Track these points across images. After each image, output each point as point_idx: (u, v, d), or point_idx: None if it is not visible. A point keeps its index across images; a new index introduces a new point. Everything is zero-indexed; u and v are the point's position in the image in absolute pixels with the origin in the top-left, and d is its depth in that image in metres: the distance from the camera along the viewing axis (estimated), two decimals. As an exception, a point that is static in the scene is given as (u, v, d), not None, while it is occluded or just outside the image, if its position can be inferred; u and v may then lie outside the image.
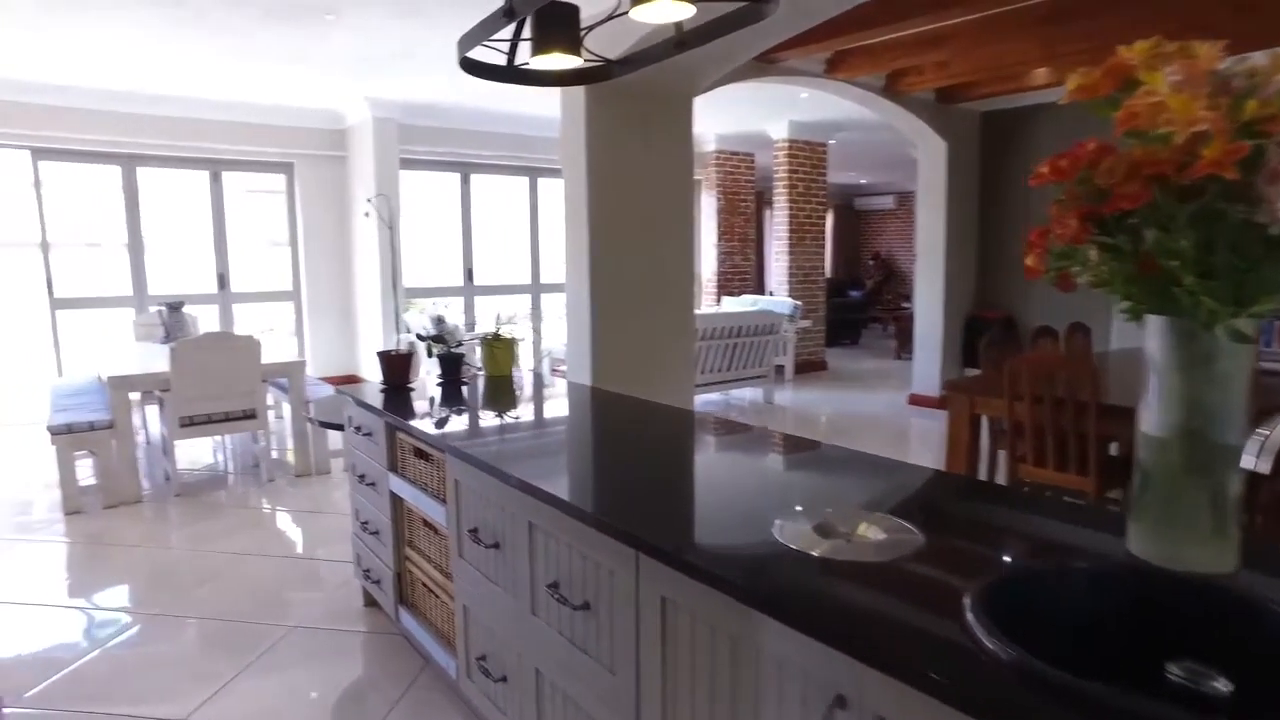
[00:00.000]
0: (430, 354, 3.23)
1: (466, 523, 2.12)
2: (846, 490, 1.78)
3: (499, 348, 3.22)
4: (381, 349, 3.23)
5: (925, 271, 7.54)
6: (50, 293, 7.16)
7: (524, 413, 2.74)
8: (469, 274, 8.69)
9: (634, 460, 2.07)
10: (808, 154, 9.11)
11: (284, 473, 5.18)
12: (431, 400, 2.92)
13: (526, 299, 9.47)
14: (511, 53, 2.11)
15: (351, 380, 8.42)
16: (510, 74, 2.15)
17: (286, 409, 5.84)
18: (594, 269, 4.10)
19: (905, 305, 13.58)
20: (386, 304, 7.70)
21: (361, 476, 2.94)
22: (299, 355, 8.34)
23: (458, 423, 2.59)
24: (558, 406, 2.90)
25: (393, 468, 2.67)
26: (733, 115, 8.36)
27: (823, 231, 9.46)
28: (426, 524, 2.49)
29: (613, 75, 2.27)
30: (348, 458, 3.16)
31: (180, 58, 5.75)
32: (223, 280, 7.87)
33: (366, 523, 2.97)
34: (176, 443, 4.92)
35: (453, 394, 3.01)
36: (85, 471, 4.81)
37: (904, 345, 10.26)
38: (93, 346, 6.27)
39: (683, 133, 4.48)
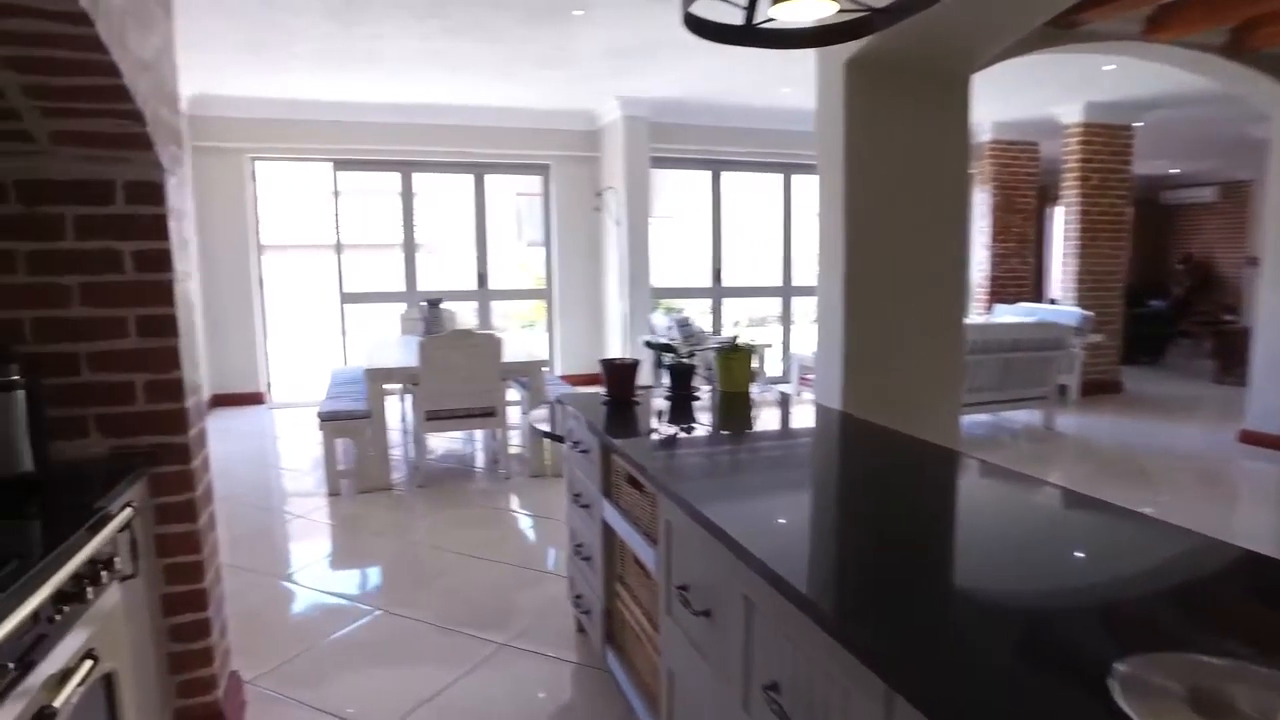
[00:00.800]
0: (659, 364, 2.94)
1: (677, 575, 1.77)
2: (1222, 614, 1.19)
3: (735, 360, 2.85)
4: (605, 356, 2.98)
5: (1276, 277, 6.03)
6: (340, 288, 7.89)
7: (755, 445, 2.34)
8: (717, 275, 8.44)
9: (891, 527, 1.60)
10: (1107, 139, 7.81)
11: (522, 470, 5.20)
12: (654, 418, 2.62)
13: (776, 303, 9.05)
14: (751, 7, 1.72)
15: (596, 381, 8.50)
16: (745, 34, 1.77)
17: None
18: (849, 272, 3.60)
19: (1229, 318, 11.39)
20: (627, 303, 7.65)
21: (577, 496, 2.71)
22: (549, 352, 8.59)
23: (675, 451, 2.25)
24: (798, 438, 2.47)
25: (606, 493, 2.39)
26: (1014, 98, 7.35)
27: (1122, 230, 8.09)
28: (638, 563, 2.18)
29: (874, 29, 1.80)
30: (567, 473, 2.95)
31: (453, 68, 6.01)
32: (482, 278, 8.25)
33: (580, 545, 2.73)
34: (427, 435, 5.11)
35: (679, 412, 2.69)
36: (347, 455, 5.13)
37: (1228, 367, 8.52)
38: (370, 337, 6.78)
39: (958, 117, 3.81)
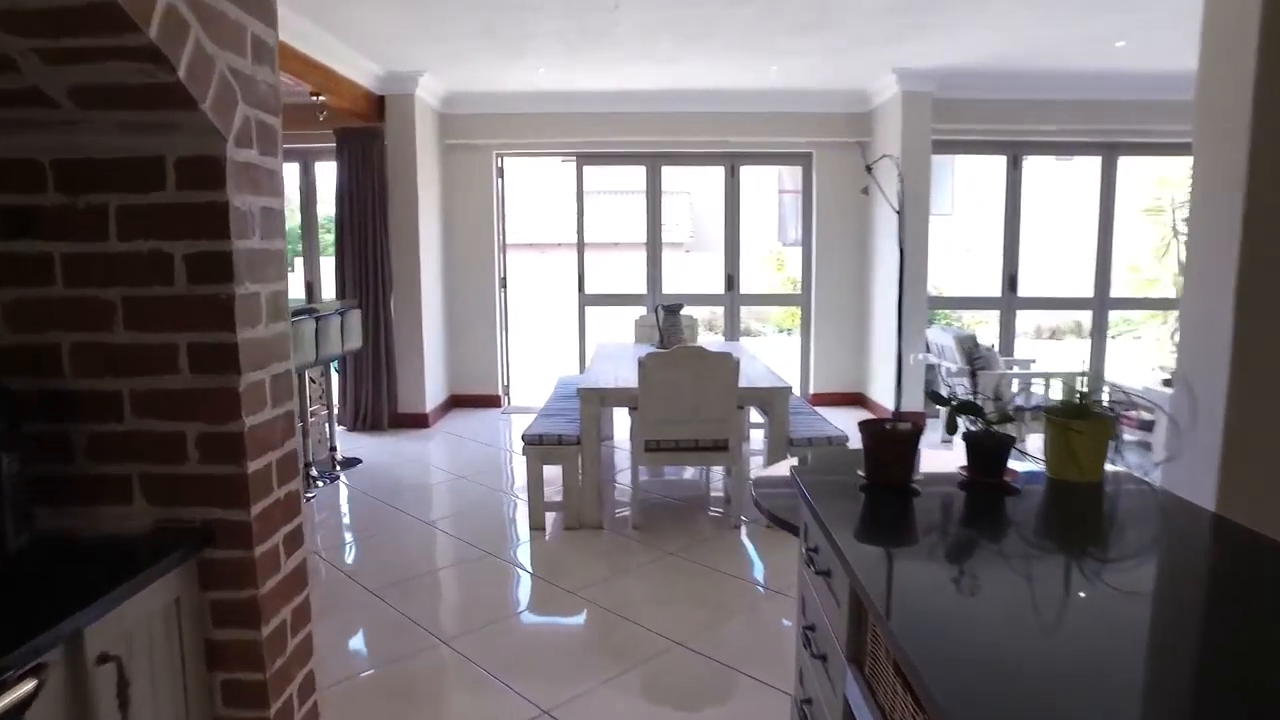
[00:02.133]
0: (951, 430, 1.90)
1: None
2: None
3: (1084, 434, 1.74)
4: (869, 379, 1.99)
5: None
6: (581, 289, 7.48)
7: (1105, 605, 1.26)
8: (1011, 282, 6.93)
9: None
10: None
11: (759, 517, 4.30)
12: (945, 536, 1.60)
13: (1085, 317, 7.33)
14: None
15: (856, 401, 7.36)
16: None
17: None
18: (1244, 288, 2.28)
19: None
20: (898, 313, 6.44)
21: (809, 632, 1.76)
22: (802, 366, 7.58)
23: (969, 610, 1.24)
24: (1157, 580, 1.35)
25: (855, 659, 1.43)
26: None
27: None
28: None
29: None
30: (800, 587, 2.00)
31: (694, 38, 5.25)
32: (730, 281, 7.44)
33: (809, 701, 1.79)
34: (647, 468, 4.38)
35: (986, 522, 1.65)
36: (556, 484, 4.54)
37: None
38: (598, 347, 6.22)
39: None
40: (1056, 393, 5.36)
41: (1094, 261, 6.93)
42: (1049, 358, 6.61)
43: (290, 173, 6.81)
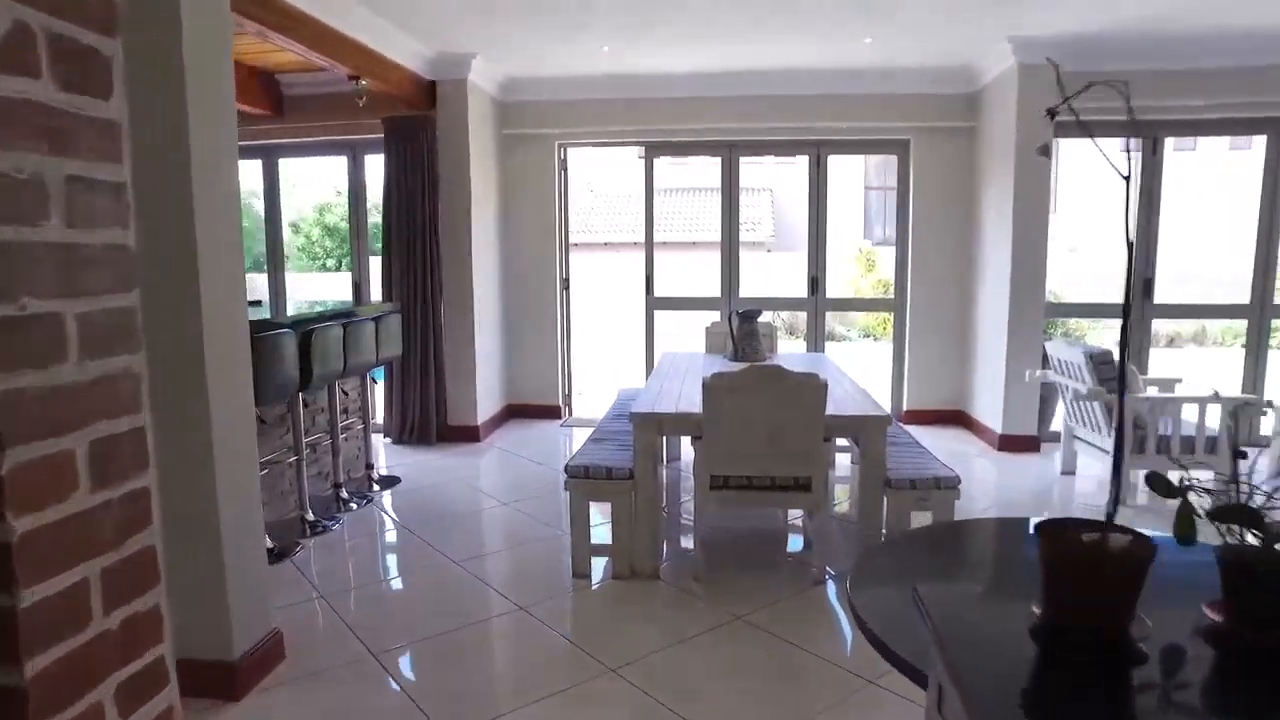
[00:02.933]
0: (1186, 538, 1.16)
1: None
2: None
3: None
4: (1044, 519, 1.33)
5: None
6: (649, 291, 6.84)
7: None
8: (1146, 286, 5.95)
9: None
10: None
11: (847, 567, 3.58)
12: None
13: (1239, 326, 6.27)
14: None
15: (957, 419, 6.49)
16: None
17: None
18: None
19: None
20: (1008, 323, 5.57)
21: None
22: (895, 378, 6.75)
23: None
24: None
25: None
26: None
27: None
28: None
29: None
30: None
31: (787, 12, 4.53)
32: (814, 283, 6.67)
33: None
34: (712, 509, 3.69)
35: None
36: (603, 523, 3.88)
37: None
38: (661, 360, 5.54)
39: None
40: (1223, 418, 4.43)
41: (1251, 261, 5.88)
42: (1190, 373, 5.62)
43: (338, 166, 6.39)
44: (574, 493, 3.48)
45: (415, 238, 5.89)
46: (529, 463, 5.55)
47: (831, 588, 3.44)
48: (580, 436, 6.24)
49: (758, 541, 4.04)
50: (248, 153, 6.43)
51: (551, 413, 6.90)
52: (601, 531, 3.82)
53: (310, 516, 4.29)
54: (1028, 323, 5.57)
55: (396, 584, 3.52)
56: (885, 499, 3.35)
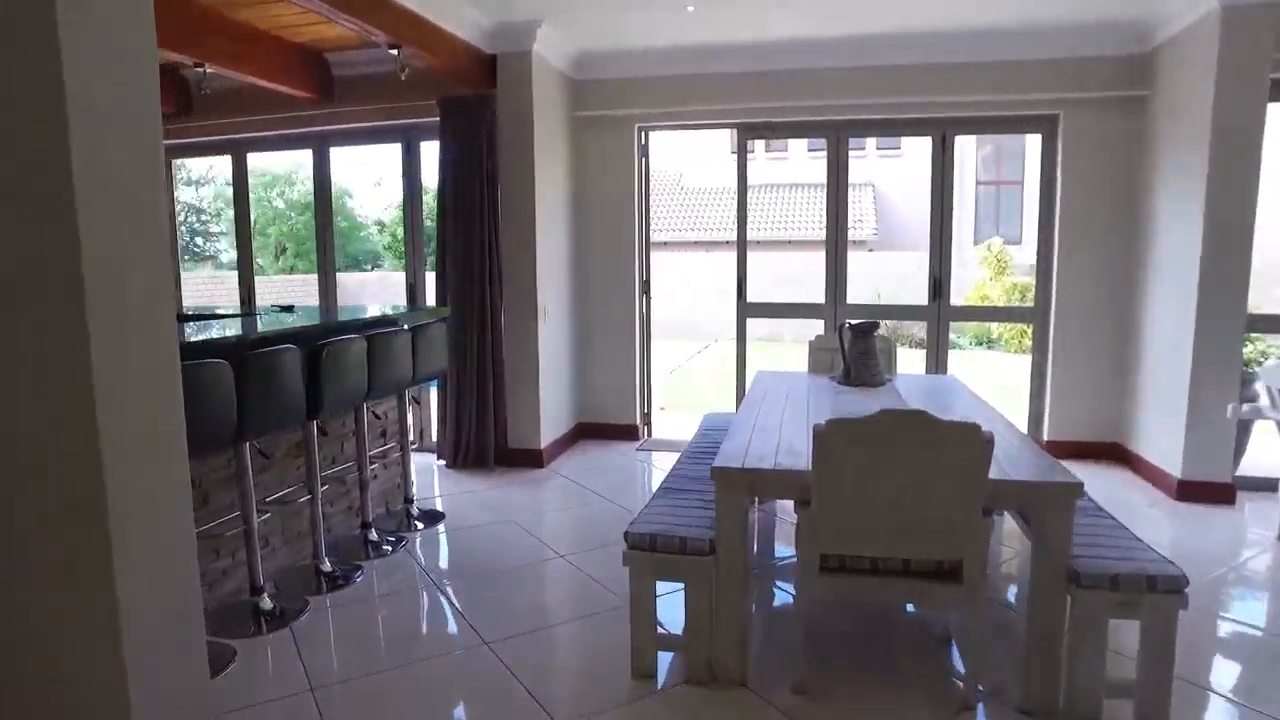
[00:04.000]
0: None
1: None
2: None
3: None
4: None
5: None
6: (740, 295, 5.93)
7: None
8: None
9: None
10: None
11: (1003, 685, 2.60)
12: None
13: None
14: None
15: (1113, 455, 5.33)
16: None
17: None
18: None
19: None
20: (1193, 335, 4.43)
21: None
22: (1034, 400, 5.63)
23: None
24: None
25: None
26: None
27: None
28: None
29: None
30: None
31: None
32: (937, 287, 5.62)
33: None
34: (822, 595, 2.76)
35: None
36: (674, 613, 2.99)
37: None
38: (766, 381, 4.61)
39: None
40: None
41: None
42: None
43: (392, 154, 5.73)
44: (636, 568, 2.62)
45: (472, 235, 5.17)
46: (596, 498, 4.73)
47: (984, 715, 2.47)
48: (660, 464, 5.41)
49: (882, 636, 3.09)
50: (296, 141, 5.85)
51: (627, 433, 6.08)
52: (670, 605, 2.96)
53: (327, 566, 3.58)
54: (1221, 339, 4.40)
55: (404, 675, 2.75)
56: (1068, 598, 2.36)
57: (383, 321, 3.95)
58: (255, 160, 6.51)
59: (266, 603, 3.20)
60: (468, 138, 5.12)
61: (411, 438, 5.88)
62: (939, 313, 5.60)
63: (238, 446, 3.04)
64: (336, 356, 3.31)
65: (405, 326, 3.98)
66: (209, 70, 4.66)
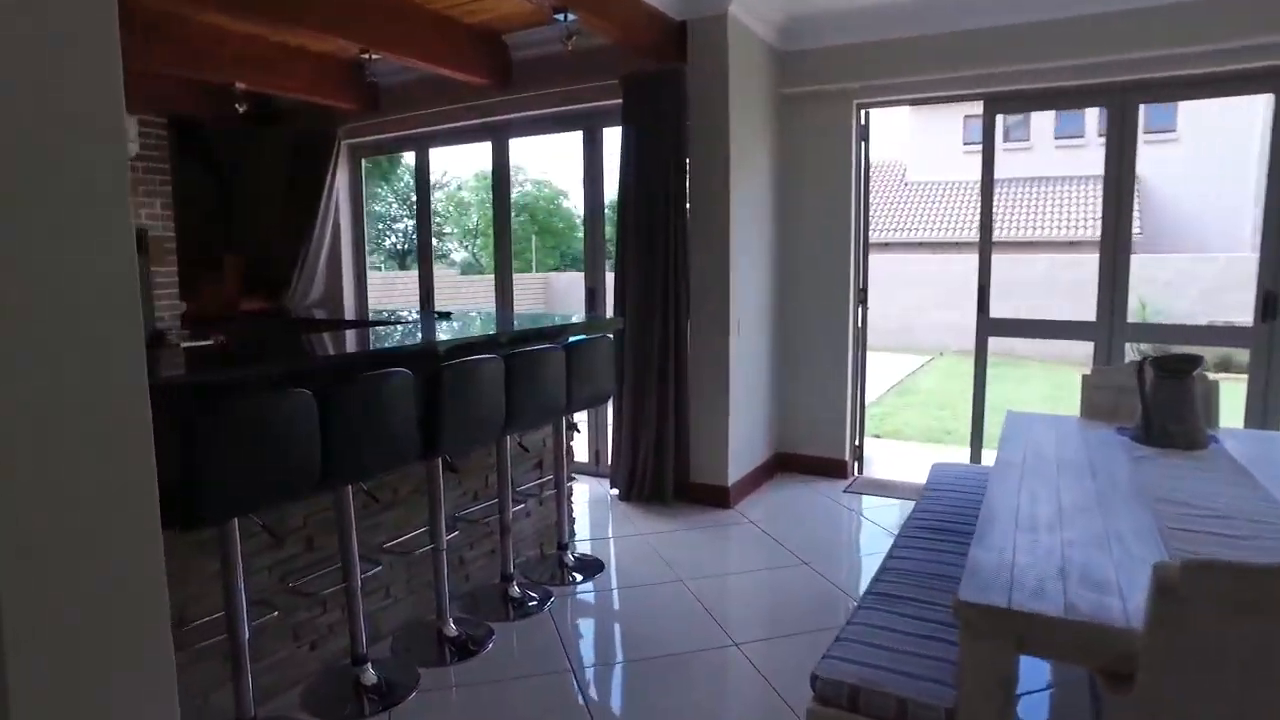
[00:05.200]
0: None
1: None
2: None
3: None
4: None
5: None
6: (982, 308, 4.77)
7: None
8: None
9: None
10: None
11: None
12: None
13: None
14: None
15: None
16: None
17: None
18: None
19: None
20: None
21: None
22: None
23: None
24: None
25: None
26: None
27: None
28: None
29: None
30: None
31: None
32: (1269, 303, 4.15)
33: None
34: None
35: None
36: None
37: None
38: (1014, 417, 3.46)
39: None
40: None
41: None
42: None
43: (572, 144, 5.14)
44: (829, 737, 1.73)
45: (655, 233, 4.45)
46: (790, 557, 3.83)
47: None
48: (873, 514, 4.40)
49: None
50: (475, 133, 5.44)
51: (834, 469, 5.10)
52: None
53: (451, 630, 2.98)
54: None
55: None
56: None
57: (532, 336, 3.31)
58: (470, 158, 6.21)
59: (370, 675, 2.65)
60: (652, 120, 4.41)
61: (586, 458, 5.31)
62: (1272, 338, 4.12)
63: (338, 491, 2.50)
64: (460, 381, 2.69)
65: (561, 342, 3.31)
66: (375, 56, 4.28)
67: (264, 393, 2.13)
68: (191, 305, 5.89)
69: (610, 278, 5.06)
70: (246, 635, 2.26)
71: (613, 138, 4.91)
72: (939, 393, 10.10)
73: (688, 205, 4.46)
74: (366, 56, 4.33)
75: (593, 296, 5.25)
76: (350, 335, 3.92)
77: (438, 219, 20.80)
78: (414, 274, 6.27)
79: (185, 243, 5.95)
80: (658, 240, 4.45)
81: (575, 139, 5.11)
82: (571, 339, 3.42)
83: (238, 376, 2.25)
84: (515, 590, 3.33)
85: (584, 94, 4.80)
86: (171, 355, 3.76)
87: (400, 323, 4.45)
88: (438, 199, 20.37)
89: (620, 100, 4.53)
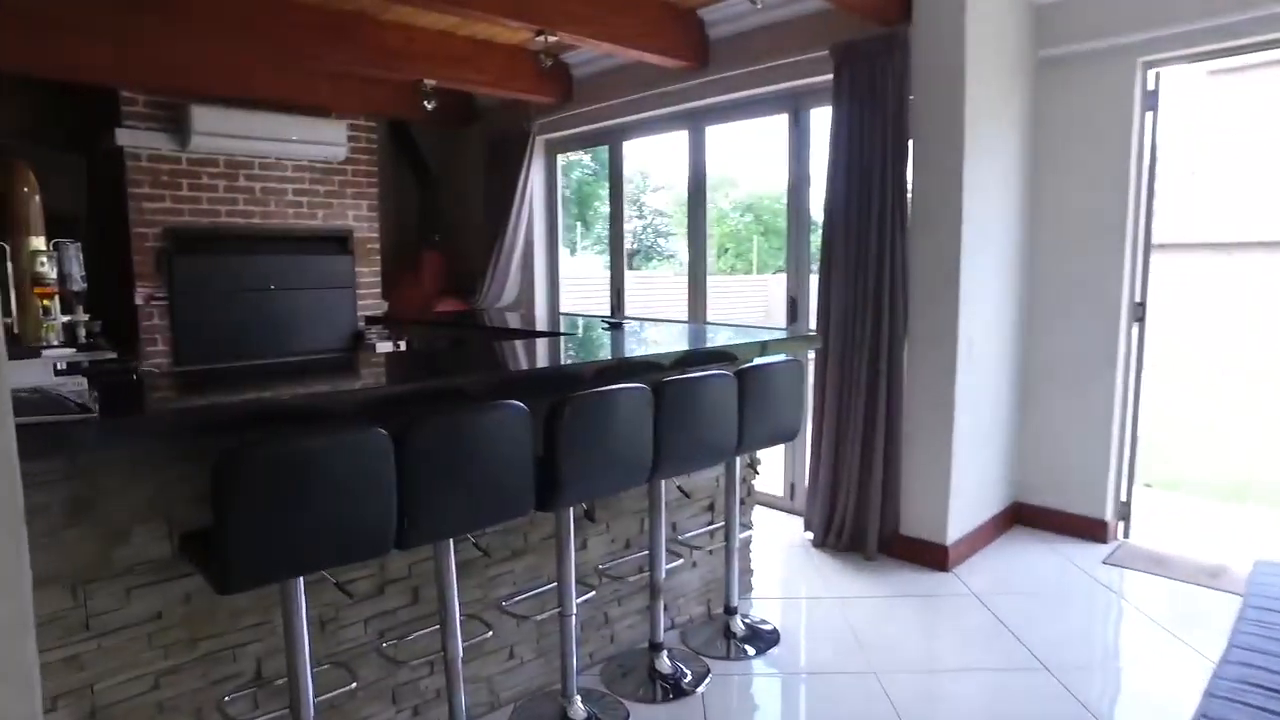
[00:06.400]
0: None
1: None
2: None
3: None
4: None
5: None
6: None
7: None
8: None
9: None
10: None
11: None
12: None
13: None
14: None
15: None
16: None
17: None
18: None
19: None
20: None
21: None
22: None
23: None
24: None
25: None
26: None
27: None
28: None
29: None
30: None
31: None
32: None
33: None
34: None
35: None
36: None
37: None
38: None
39: None
40: None
41: None
42: None
43: (777, 127, 4.46)
44: None
45: (868, 231, 3.70)
46: (1024, 653, 2.94)
47: None
48: (1140, 601, 3.36)
49: None
50: (670, 122, 4.94)
51: (1088, 530, 4.04)
52: None
53: (578, 712, 2.47)
54: None
55: None
56: None
57: (700, 357, 2.72)
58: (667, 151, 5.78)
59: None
60: (867, 94, 3.65)
61: (781, 490, 4.65)
62: None
63: (439, 547, 2.07)
64: (585, 416, 2.16)
65: (732, 369, 2.70)
66: (551, 39, 3.89)
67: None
68: (392, 305, 5.93)
69: (814, 282, 4.35)
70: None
71: (820, 120, 4.19)
72: (1241, 430, 8.21)
73: (909, 198, 3.66)
74: (542, 39, 3.95)
75: (794, 306, 4.55)
76: (520, 349, 3.54)
77: (663, 218, 20.71)
78: (644, 273, 5.90)
79: (391, 243, 6.01)
80: (869, 240, 3.69)
81: (779, 123, 4.44)
82: (746, 364, 2.80)
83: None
84: (664, 663, 2.76)
85: (789, 71, 4.13)
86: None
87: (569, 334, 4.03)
88: (660, 197, 20.25)
89: (830, 75, 3.82)
